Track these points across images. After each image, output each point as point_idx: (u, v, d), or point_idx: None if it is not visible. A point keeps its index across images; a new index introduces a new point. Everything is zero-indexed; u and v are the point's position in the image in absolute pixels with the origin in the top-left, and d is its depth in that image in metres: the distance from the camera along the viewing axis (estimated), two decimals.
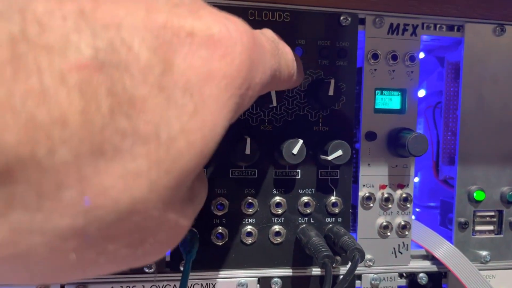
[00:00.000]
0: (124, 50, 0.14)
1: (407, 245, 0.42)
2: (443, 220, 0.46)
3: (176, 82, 0.15)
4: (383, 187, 0.41)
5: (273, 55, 0.23)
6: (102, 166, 0.14)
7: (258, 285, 0.40)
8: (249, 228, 0.39)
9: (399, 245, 0.42)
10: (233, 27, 0.18)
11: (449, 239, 0.43)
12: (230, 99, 0.17)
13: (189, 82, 0.16)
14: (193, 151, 0.16)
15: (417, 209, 0.53)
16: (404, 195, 0.41)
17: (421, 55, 0.50)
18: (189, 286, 0.39)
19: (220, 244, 0.38)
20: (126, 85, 0.14)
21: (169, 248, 0.19)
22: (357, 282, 0.41)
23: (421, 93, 0.53)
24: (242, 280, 0.39)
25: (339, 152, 0.36)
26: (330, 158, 0.36)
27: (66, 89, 0.13)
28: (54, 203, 0.14)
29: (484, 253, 0.43)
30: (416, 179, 0.54)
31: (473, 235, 0.43)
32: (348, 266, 0.36)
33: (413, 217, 0.53)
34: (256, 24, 0.38)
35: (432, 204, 0.53)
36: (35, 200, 0.13)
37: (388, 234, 0.41)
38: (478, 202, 0.42)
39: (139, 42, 0.15)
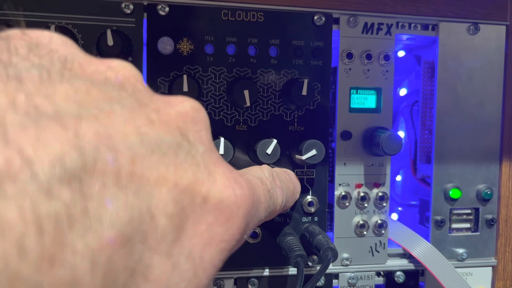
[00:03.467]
0: (148, 220, 0.14)
1: (384, 243, 0.42)
2: (422, 218, 0.46)
3: (182, 249, 0.15)
4: (359, 186, 0.41)
5: (265, 208, 0.23)
6: None
7: (235, 286, 0.40)
8: None
9: (376, 243, 0.42)
10: (239, 192, 0.18)
11: (427, 237, 0.43)
12: (223, 260, 0.18)
13: (193, 248, 0.16)
14: None
15: (400, 208, 0.53)
16: (380, 194, 0.41)
17: (402, 53, 0.50)
18: None
19: None
20: (143, 257, 0.14)
21: None
22: (334, 281, 0.42)
23: (403, 91, 0.53)
24: (219, 281, 0.39)
25: (313, 152, 0.36)
26: (304, 157, 0.36)
27: (93, 271, 0.12)
28: None
29: (460, 250, 0.43)
30: (399, 178, 0.54)
31: (449, 232, 0.43)
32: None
33: (396, 215, 0.53)
34: (230, 24, 0.38)
35: (414, 202, 0.53)
36: None
37: (365, 233, 0.41)
38: (454, 200, 0.42)
39: (162, 209, 0.14)
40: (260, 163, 0.37)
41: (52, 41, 0.16)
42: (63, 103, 0.13)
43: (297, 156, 0.37)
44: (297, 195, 0.32)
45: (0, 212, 0.11)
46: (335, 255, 0.34)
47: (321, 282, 0.41)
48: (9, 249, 0.11)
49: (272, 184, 0.26)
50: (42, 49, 0.15)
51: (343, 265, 0.41)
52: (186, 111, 0.17)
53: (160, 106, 0.16)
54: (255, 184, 0.22)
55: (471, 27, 0.42)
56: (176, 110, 0.17)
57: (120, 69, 0.16)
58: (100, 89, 0.15)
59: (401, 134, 0.52)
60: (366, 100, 0.41)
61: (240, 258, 0.39)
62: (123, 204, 0.13)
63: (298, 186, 0.33)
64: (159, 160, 0.15)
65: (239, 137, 0.39)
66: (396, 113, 0.52)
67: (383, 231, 0.42)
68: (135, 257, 0.13)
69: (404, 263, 0.43)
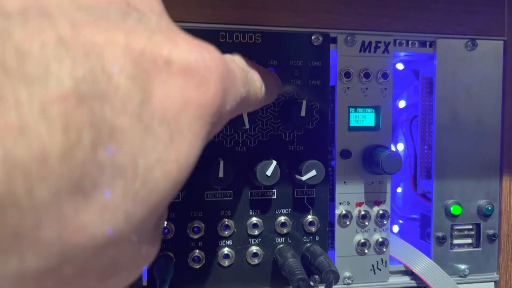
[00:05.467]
0: (105, 80, 0.14)
1: (386, 261, 0.42)
2: (423, 233, 0.46)
3: (153, 112, 0.15)
4: (359, 204, 0.41)
5: (243, 83, 0.23)
6: (81, 202, 0.14)
7: None
8: (226, 250, 0.39)
9: (377, 261, 0.42)
10: (208, 56, 0.18)
11: (428, 253, 0.43)
12: (204, 127, 0.17)
13: (166, 112, 0.15)
14: (169, 181, 0.16)
15: (400, 221, 0.53)
16: (381, 212, 0.41)
17: (400, 66, 0.50)
18: None
19: (197, 267, 0.38)
20: (107, 116, 0.14)
21: (136, 277, 0.19)
22: None
23: (402, 104, 0.53)
24: None
25: (313, 172, 0.36)
26: (304, 178, 0.36)
27: (47, 123, 0.12)
28: (30, 244, 0.13)
29: (463, 266, 0.43)
30: (399, 190, 0.54)
31: (451, 249, 0.43)
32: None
33: (397, 228, 0.53)
34: (227, 46, 0.38)
35: (415, 216, 0.53)
36: (10, 241, 0.13)
37: (366, 251, 0.41)
38: (455, 216, 0.42)
39: (119, 70, 0.14)
40: (260, 184, 0.37)
41: None
42: None
43: (297, 177, 0.37)
44: (261, 97, 0.28)
45: None
46: (336, 278, 0.34)
47: None
48: None
49: (245, 65, 0.25)
50: None
51: (345, 284, 0.41)
52: None
53: None
54: (227, 57, 0.21)
55: (469, 43, 0.42)
56: None
57: None
58: None
59: (400, 147, 0.52)
60: (365, 118, 0.41)
61: (241, 279, 0.39)
62: (70, 62, 0.13)
63: (278, 81, 0.32)
64: (105, 25, 0.14)
65: (238, 158, 0.39)
66: (395, 126, 0.52)
67: (384, 249, 0.41)
68: (98, 115, 0.13)
69: (406, 281, 0.43)
